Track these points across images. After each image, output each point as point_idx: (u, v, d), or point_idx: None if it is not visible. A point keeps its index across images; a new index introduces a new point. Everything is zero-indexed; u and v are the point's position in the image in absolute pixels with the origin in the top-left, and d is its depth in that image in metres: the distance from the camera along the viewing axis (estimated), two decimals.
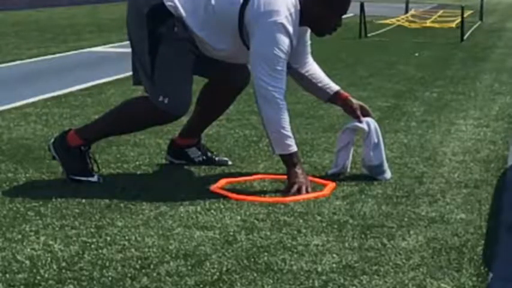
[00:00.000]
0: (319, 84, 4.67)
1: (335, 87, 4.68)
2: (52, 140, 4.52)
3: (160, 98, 4.29)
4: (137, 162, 4.86)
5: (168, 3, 4.30)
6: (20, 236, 3.53)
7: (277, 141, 4.30)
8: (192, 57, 4.39)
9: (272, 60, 4.22)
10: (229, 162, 4.87)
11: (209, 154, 4.87)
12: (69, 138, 4.44)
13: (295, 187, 4.24)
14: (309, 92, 4.80)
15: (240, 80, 4.69)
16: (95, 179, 4.40)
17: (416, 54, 11.45)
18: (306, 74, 4.65)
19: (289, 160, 4.32)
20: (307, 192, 4.23)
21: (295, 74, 4.65)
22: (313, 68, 4.67)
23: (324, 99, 4.74)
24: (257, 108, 4.35)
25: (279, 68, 4.22)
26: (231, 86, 4.72)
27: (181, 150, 4.85)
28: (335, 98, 4.69)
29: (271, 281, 3.09)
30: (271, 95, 4.22)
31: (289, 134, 4.30)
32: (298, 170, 4.31)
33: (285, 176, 4.42)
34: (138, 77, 4.48)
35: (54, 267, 3.18)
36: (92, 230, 3.63)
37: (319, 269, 3.22)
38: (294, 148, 4.32)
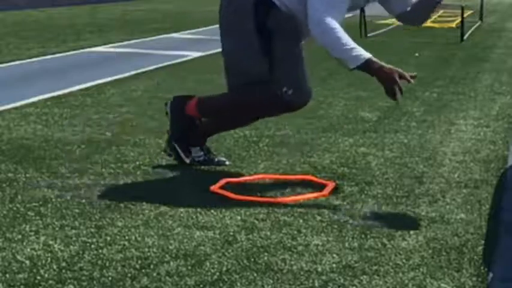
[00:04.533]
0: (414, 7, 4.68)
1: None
2: (172, 100, 4.67)
3: (285, 89, 4.34)
4: (137, 162, 4.86)
5: None
6: (20, 236, 3.53)
7: (347, 58, 4.24)
8: (301, 45, 4.43)
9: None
10: (227, 163, 4.87)
11: (210, 155, 4.87)
12: (189, 105, 4.57)
13: (391, 88, 4.20)
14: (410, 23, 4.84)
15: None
16: (188, 160, 4.51)
17: (417, 55, 11.45)
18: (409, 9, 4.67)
19: (368, 67, 4.23)
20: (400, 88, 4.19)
21: (405, 19, 4.70)
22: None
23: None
24: (320, 45, 4.29)
25: (338, 4, 4.23)
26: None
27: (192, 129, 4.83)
28: None
29: (271, 281, 3.09)
30: (326, 25, 4.18)
31: (354, 45, 4.22)
32: (383, 70, 4.22)
33: (285, 176, 4.43)
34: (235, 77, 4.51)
35: (54, 267, 3.18)
36: (92, 230, 3.64)
37: (319, 269, 3.22)
38: (366, 55, 4.23)
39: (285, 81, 4.36)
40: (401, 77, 4.20)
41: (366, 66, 4.20)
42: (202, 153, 4.84)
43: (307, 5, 4.26)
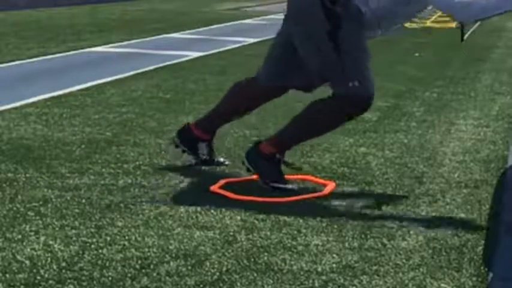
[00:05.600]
0: None
1: None
2: (245, 154, 4.53)
3: (351, 84, 4.24)
4: (137, 162, 4.86)
5: None
6: (20, 236, 3.53)
7: (504, 5, 4.25)
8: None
9: None
10: (227, 163, 4.86)
11: (212, 154, 4.84)
12: (262, 148, 4.44)
13: None
14: None
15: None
16: (294, 186, 4.38)
17: (417, 55, 11.44)
18: None
19: None
20: None
21: None
22: None
23: None
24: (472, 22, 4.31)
25: None
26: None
27: (194, 141, 4.81)
28: None
29: (271, 281, 3.09)
30: (461, 5, 4.21)
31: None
32: None
33: (285, 176, 4.43)
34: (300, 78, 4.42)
35: (54, 267, 3.18)
36: (92, 230, 3.63)
37: (319, 269, 3.22)
38: None
39: (351, 74, 4.25)
40: None
41: None
42: (206, 151, 4.81)
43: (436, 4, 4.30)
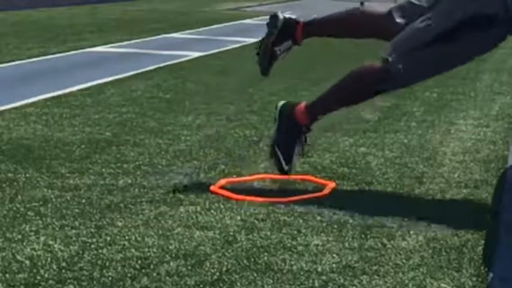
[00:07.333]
0: None
1: None
2: (282, 103, 4.46)
3: (400, 66, 4.17)
4: (137, 162, 4.86)
5: None
6: (20, 236, 3.53)
7: None
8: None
9: None
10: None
11: (279, 58, 4.61)
12: (298, 114, 4.41)
13: None
14: None
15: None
16: (287, 168, 4.39)
17: None
18: None
19: None
20: None
21: None
22: None
23: None
24: None
25: None
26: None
27: (288, 35, 4.56)
28: None
29: (271, 281, 3.10)
30: None
31: None
32: None
33: (285, 176, 4.43)
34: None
35: (54, 267, 3.18)
36: (92, 230, 3.64)
37: (319, 269, 3.22)
38: None
39: (413, 62, 4.15)
40: None
41: None
42: (283, 50, 4.55)
43: None
